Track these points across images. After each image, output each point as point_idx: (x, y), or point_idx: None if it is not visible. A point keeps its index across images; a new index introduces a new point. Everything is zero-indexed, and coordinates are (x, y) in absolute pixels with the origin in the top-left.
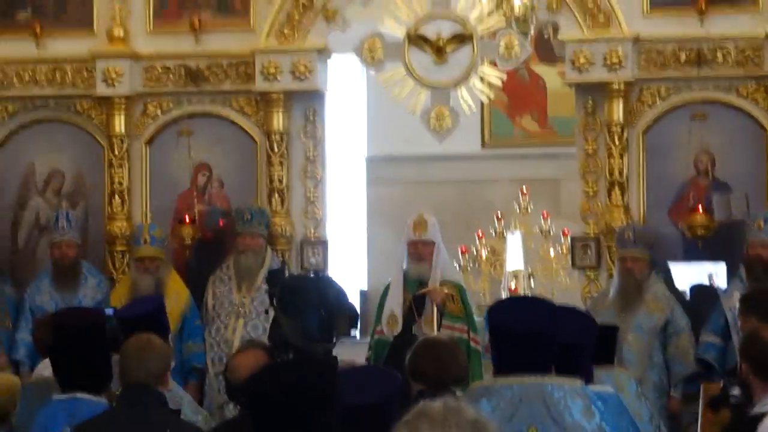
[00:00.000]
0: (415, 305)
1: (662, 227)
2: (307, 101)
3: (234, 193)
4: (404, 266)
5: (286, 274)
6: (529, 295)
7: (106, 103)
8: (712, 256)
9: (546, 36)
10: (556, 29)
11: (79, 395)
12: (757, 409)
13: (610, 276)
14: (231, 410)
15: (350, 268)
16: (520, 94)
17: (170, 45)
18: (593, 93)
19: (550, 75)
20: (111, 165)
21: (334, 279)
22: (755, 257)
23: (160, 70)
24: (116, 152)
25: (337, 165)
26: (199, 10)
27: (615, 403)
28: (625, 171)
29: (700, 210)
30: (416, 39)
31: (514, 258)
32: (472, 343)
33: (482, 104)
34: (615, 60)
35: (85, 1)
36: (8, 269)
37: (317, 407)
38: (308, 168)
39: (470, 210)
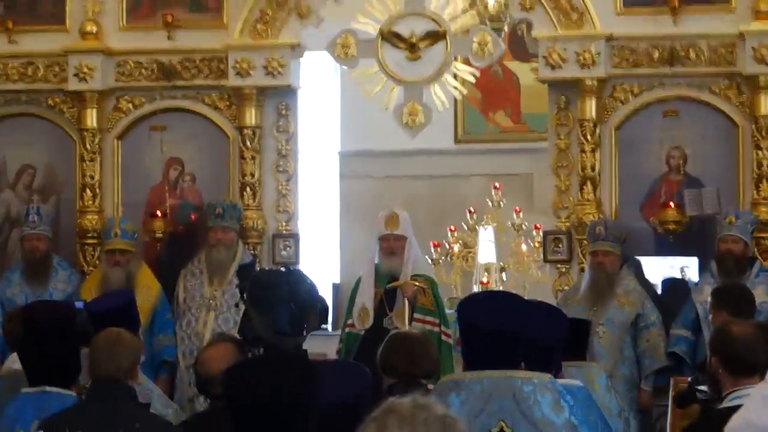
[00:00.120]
0: (387, 299)
1: (634, 222)
2: (279, 97)
3: (206, 187)
4: (376, 260)
5: (257, 269)
6: (501, 289)
7: (78, 97)
8: (683, 251)
9: (519, 33)
10: (529, 26)
11: (49, 389)
12: (726, 403)
13: (582, 270)
14: (201, 403)
15: (323, 262)
16: (494, 91)
17: (143, 41)
18: (566, 90)
19: (523, 71)
20: (82, 159)
21: (305, 273)
22: (726, 252)
23: (132, 66)
24: (88, 146)
25: (310, 160)
26: (172, 7)
27: (584, 396)
28: (597, 166)
29: (672, 205)
30: (390, 36)
31: (486, 252)
32: (443, 337)
33: (456, 100)
34: (588, 57)
35: None
36: None
37: (298, 411)
38: (280, 162)
39: (443, 205)
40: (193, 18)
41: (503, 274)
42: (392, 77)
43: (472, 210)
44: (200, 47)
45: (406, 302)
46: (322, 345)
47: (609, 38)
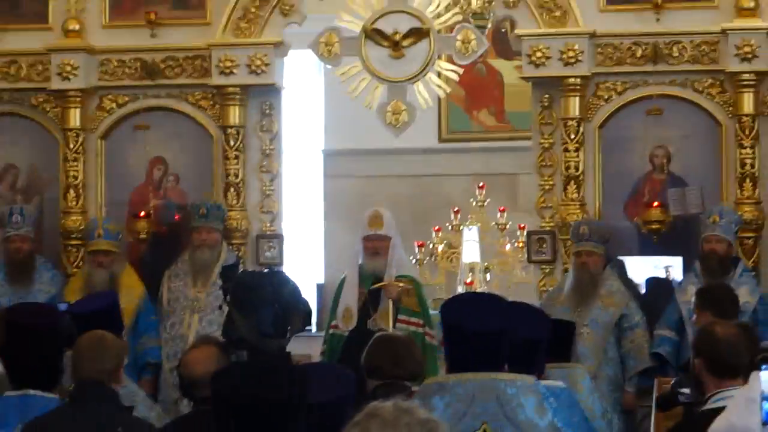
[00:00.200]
0: (371, 300)
1: (618, 222)
2: (263, 96)
3: (190, 187)
4: (360, 261)
5: (241, 270)
6: (484, 290)
7: (61, 96)
8: (667, 251)
9: (503, 31)
10: (513, 24)
11: (32, 392)
12: (710, 405)
13: (566, 270)
14: (186, 405)
15: (307, 262)
16: (478, 89)
17: (126, 39)
18: (550, 88)
19: (507, 69)
20: (66, 159)
21: (288, 275)
22: (710, 252)
23: (115, 64)
24: (71, 146)
25: (293, 159)
26: (155, 4)
27: (567, 398)
28: (581, 165)
29: (656, 205)
30: (373, 34)
31: (471, 252)
32: (427, 338)
33: (439, 98)
34: (571, 55)
35: None
36: None
37: (287, 414)
38: (264, 162)
39: (427, 204)
40: (176, 16)
41: (488, 275)
42: (376, 75)
43: (457, 210)
44: (183, 45)
45: (390, 303)
46: (307, 346)
47: (592, 36)
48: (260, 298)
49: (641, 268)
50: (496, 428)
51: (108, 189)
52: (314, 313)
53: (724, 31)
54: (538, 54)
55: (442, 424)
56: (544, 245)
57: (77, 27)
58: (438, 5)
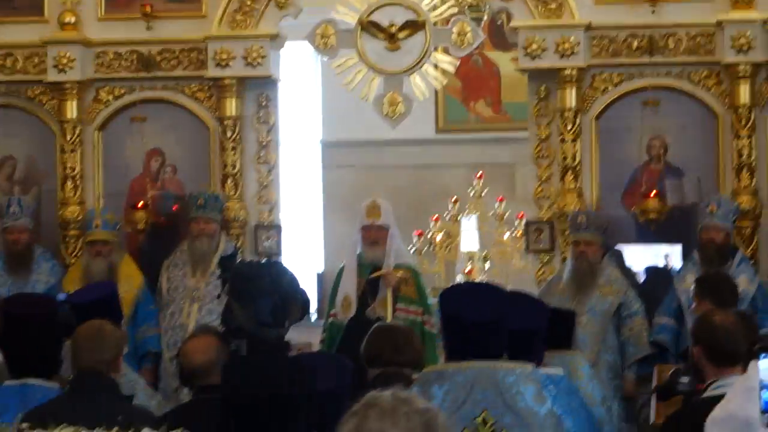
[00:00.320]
0: (369, 289)
1: (615, 211)
2: (259, 87)
3: (187, 178)
4: (358, 250)
5: (239, 260)
6: (483, 279)
7: (57, 89)
8: (664, 240)
9: (499, 23)
10: (509, 16)
11: (31, 381)
12: (709, 392)
13: (564, 260)
14: (186, 394)
15: (306, 252)
16: (474, 80)
17: (122, 31)
18: (546, 79)
19: (504, 61)
20: (63, 150)
21: (286, 265)
22: (708, 241)
23: (111, 57)
24: (68, 138)
25: (292, 150)
26: None
27: (566, 385)
28: (578, 156)
29: (653, 194)
30: (369, 26)
31: (469, 241)
32: (426, 326)
33: (436, 90)
34: (567, 47)
35: None
36: None
37: (295, 405)
38: (261, 153)
39: (425, 194)
40: (172, 8)
41: (486, 264)
42: (372, 67)
43: (455, 199)
44: (179, 37)
45: (389, 292)
46: (307, 335)
47: (588, 28)
48: (258, 288)
49: (640, 257)
50: (496, 416)
51: (105, 180)
52: (314, 302)
53: (719, 23)
54: (534, 46)
55: (440, 414)
56: (542, 235)
57: (73, 20)
58: None
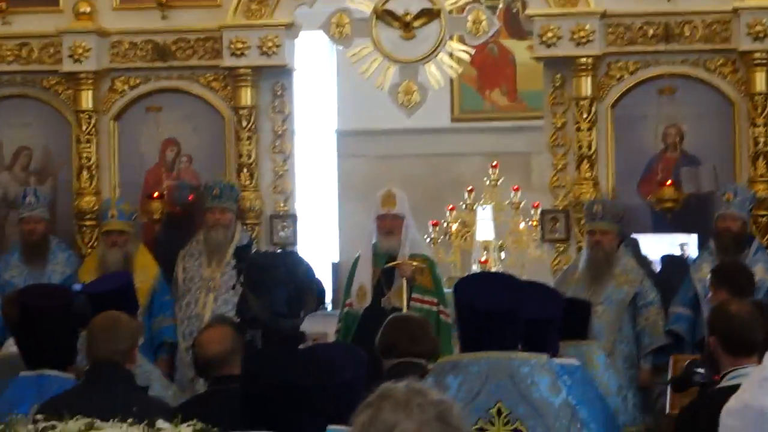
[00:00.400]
0: (385, 278)
1: (631, 200)
2: (275, 77)
3: (203, 168)
4: (373, 240)
5: (254, 250)
6: (499, 268)
7: (73, 79)
8: (680, 229)
9: (514, 11)
10: (524, 4)
11: (48, 372)
12: (725, 382)
13: (580, 249)
14: (202, 384)
15: (322, 241)
16: (490, 68)
17: (137, 21)
18: (561, 67)
19: (519, 49)
20: (79, 141)
21: (301, 255)
22: (724, 230)
23: (127, 46)
24: (84, 128)
25: (307, 139)
26: None
27: (580, 375)
28: (593, 145)
29: (669, 183)
30: (384, 15)
31: (485, 231)
32: (442, 317)
33: (451, 78)
34: (582, 35)
35: None
36: None
37: (314, 396)
38: (277, 143)
39: (441, 183)
40: None
41: (502, 253)
42: (387, 56)
43: (470, 188)
44: (194, 27)
45: (404, 282)
46: (322, 324)
47: (603, 15)
48: (273, 278)
49: (656, 246)
50: (511, 406)
51: (121, 170)
52: (330, 291)
53: (735, 10)
54: (549, 34)
55: (455, 405)
56: (558, 224)
57: (88, 9)
58: None
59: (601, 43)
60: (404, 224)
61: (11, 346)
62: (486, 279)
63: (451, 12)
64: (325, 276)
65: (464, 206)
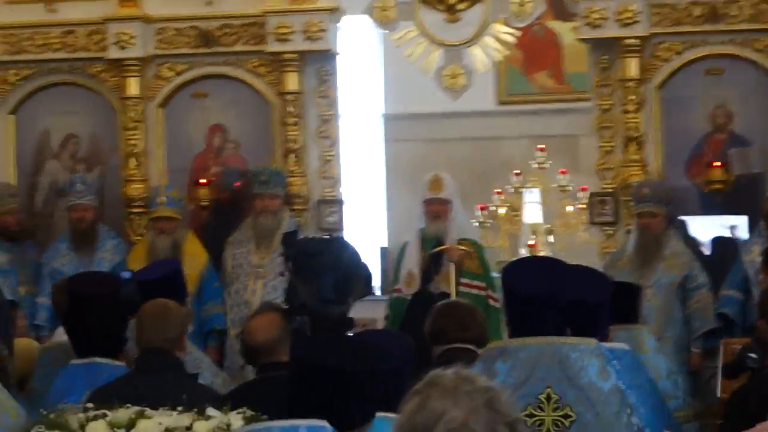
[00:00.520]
0: (433, 263)
1: (679, 182)
2: (320, 62)
3: (249, 154)
4: (421, 225)
5: (300, 236)
6: (547, 252)
7: (118, 66)
8: (729, 211)
9: None
10: None
11: (98, 360)
12: None
13: (628, 232)
14: (252, 371)
15: (370, 226)
16: (535, 51)
17: (182, 7)
18: (607, 49)
19: (565, 30)
20: (126, 128)
21: (348, 241)
22: None
23: (172, 32)
24: (131, 115)
25: (354, 124)
26: None
27: (630, 360)
28: (641, 126)
29: (717, 164)
30: None
31: (533, 214)
32: (490, 301)
33: (497, 61)
34: (628, 16)
35: None
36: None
37: (356, 385)
38: (323, 128)
39: (487, 167)
40: None
41: (550, 237)
42: (431, 40)
43: (517, 172)
44: (239, 12)
45: (452, 266)
46: (371, 310)
47: None
48: (321, 264)
49: (705, 228)
50: (560, 392)
51: (168, 157)
52: (378, 277)
53: None
54: (595, 15)
55: (503, 392)
56: (606, 207)
57: None
58: None
59: (646, 24)
60: (451, 208)
61: (62, 335)
62: (530, 263)
63: None
64: (373, 261)
65: (511, 190)
